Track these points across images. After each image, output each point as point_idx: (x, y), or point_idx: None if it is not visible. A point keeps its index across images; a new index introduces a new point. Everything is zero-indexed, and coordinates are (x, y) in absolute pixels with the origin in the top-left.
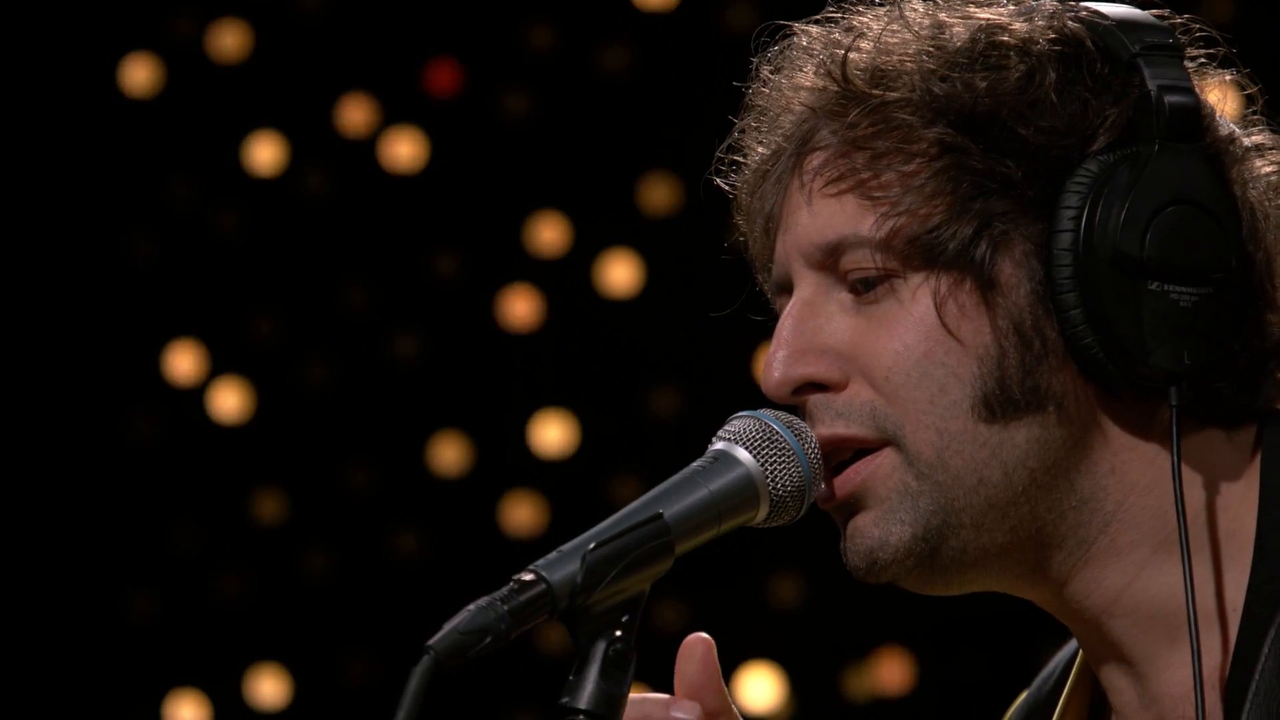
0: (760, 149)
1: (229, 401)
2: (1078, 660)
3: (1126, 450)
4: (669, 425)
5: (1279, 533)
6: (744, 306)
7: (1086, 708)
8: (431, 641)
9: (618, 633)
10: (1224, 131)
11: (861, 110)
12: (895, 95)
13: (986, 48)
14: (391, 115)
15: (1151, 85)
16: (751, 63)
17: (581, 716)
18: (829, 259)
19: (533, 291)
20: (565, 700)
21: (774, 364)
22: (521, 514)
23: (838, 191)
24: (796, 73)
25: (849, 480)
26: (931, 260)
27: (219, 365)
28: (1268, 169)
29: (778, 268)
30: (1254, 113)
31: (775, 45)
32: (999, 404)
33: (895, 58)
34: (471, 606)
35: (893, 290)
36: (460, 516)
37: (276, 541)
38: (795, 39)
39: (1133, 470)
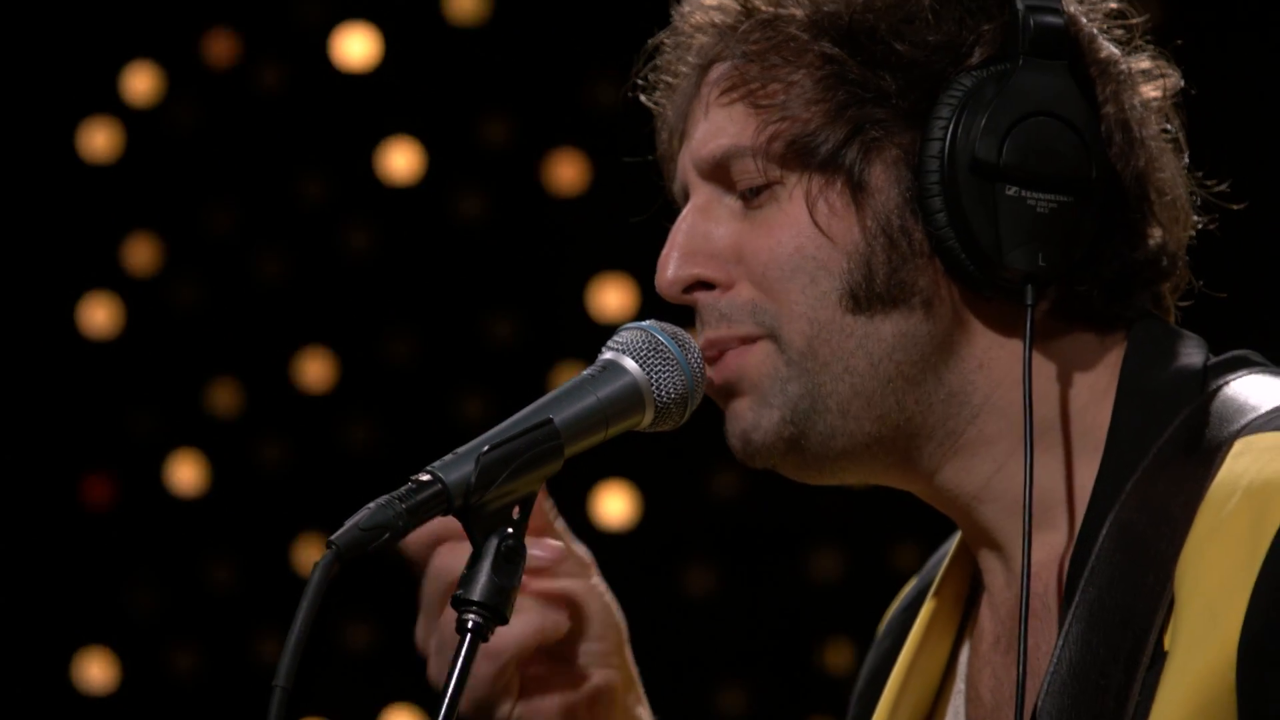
0: (677, 66)
1: (186, 297)
2: (955, 540)
3: (995, 347)
4: (612, 319)
5: (1130, 428)
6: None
7: (966, 584)
8: (333, 536)
9: (509, 530)
10: (1103, 54)
11: (756, 25)
12: (787, 12)
13: None
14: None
15: (1020, 4)
16: None
17: (475, 607)
18: (720, 169)
19: (482, 188)
20: (460, 592)
21: (667, 264)
22: (471, 407)
23: (729, 101)
24: None
25: (727, 366)
26: (807, 163)
27: (176, 257)
28: (1152, 92)
29: (680, 179)
30: (1144, 38)
31: None
32: (865, 297)
33: None
34: (371, 505)
35: (774, 196)
36: (411, 409)
37: (231, 432)
38: None
39: (999, 366)
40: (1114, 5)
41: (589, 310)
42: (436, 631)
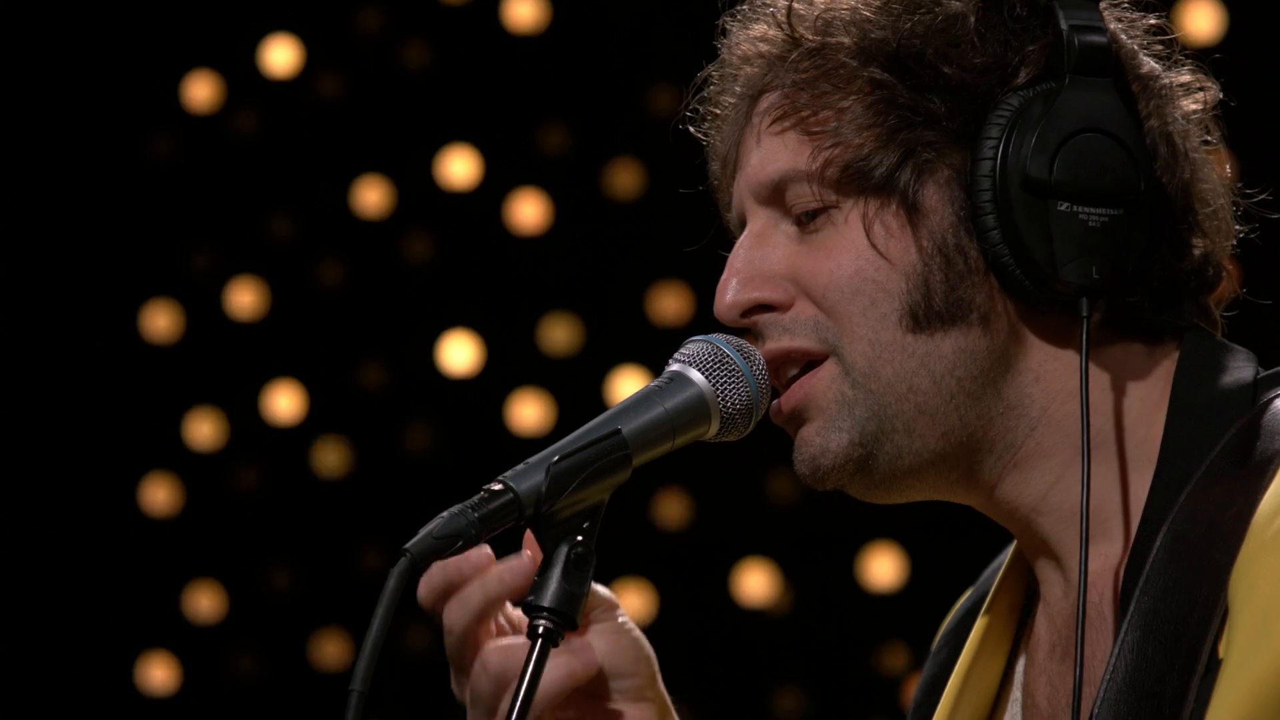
0: (724, 97)
1: (245, 300)
2: (1010, 551)
3: (1050, 360)
4: (671, 327)
5: (1182, 441)
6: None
7: (1022, 594)
8: (408, 545)
9: (579, 538)
10: (1144, 69)
11: (804, 54)
12: (834, 41)
13: None
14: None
15: (1064, 25)
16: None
17: (546, 613)
18: (775, 194)
19: (541, 195)
20: (531, 599)
21: (726, 290)
22: (528, 413)
23: (781, 130)
24: (752, 26)
25: (794, 395)
26: (862, 187)
27: (235, 264)
28: (1192, 105)
29: (735, 207)
30: (1183, 53)
31: (738, 1)
32: (925, 316)
33: (836, 8)
34: (445, 513)
35: (830, 220)
36: (469, 415)
37: (291, 438)
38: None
39: (1056, 378)
40: (1153, 21)
41: (647, 317)
42: (468, 683)
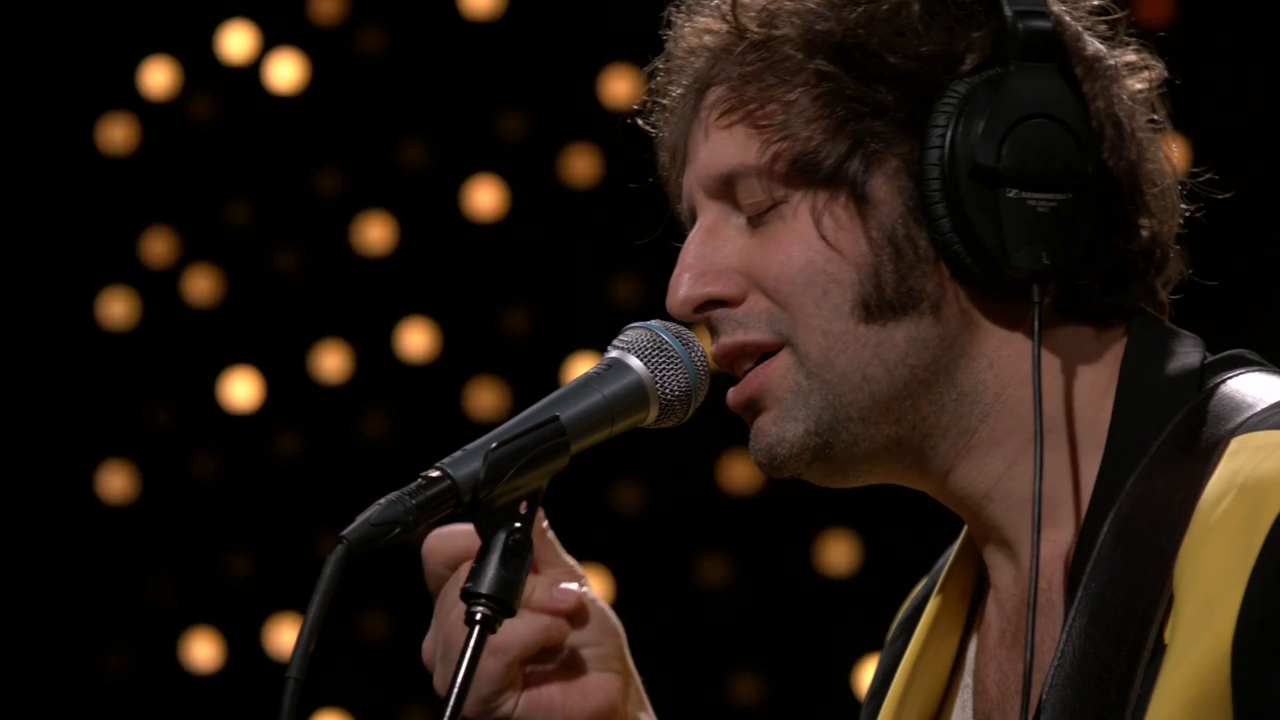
0: (672, 90)
1: (202, 286)
2: (960, 537)
3: (1003, 346)
4: (628, 313)
5: (1130, 426)
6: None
7: (972, 580)
8: (344, 532)
9: (517, 524)
10: (1089, 51)
11: (750, 47)
12: (779, 33)
13: None
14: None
15: (1008, 11)
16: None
17: (483, 600)
18: (725, 188)
19: (498, 181)
20: (469, 585)
21: (678, 285)
22: (486, 400)
23: (729, 123)
24: (697, 18)
25: (749, 384)
26: (810, 179)
27: (192, 250)
28: (1137, 85)
29: (686, 201)
30: (1128, 32)
31: None
32: (876, 306)
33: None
34: (382, 500)
35: (780, 213)
36: (427, 402)
37: (249, 425)
38: None
39: (1008, 364)
40: (1096, 2)
41: (605, 303)
42: (443, 643)
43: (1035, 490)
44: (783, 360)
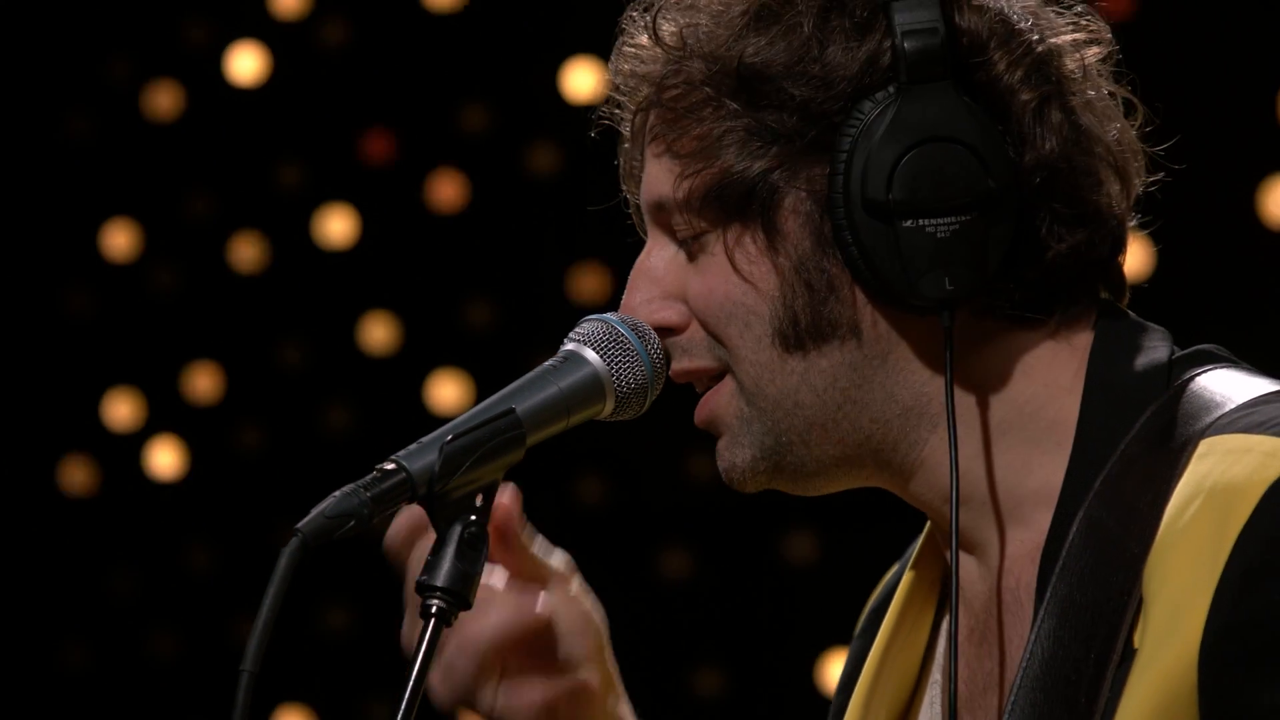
0: (627, 101)
1: (164, 279)
2: (924, 532)
3: (941, 358)
4: (590, 306)
5: (1097, 424)
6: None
7: (938, 575)
8: (299, 525)
9: (473, 517)
10: (1020, 38)
11: (670, 74)
12: (690, 65)
13: (760, 7)
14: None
15: (897, 33)
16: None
17: (439, 593)
18: (662, 215)
19: (460, 174)
20: (424, 578)
21: (632, 311)
22: (448, 393)
23: (658, 152)
24: (638, 35)
25: (702, 410)
26: (723, 212)
27: (154, 244)
28: (1073, 65)
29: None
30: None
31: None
32: (794, 337)
33: (697, 22)
34: (337, 493)
35: (703, 246)
36: (389, 395)
37: (210, 417)
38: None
39: (954, 375)
40: None
41: (566, 296)
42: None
43: (952, 499)
44: (727, 386)
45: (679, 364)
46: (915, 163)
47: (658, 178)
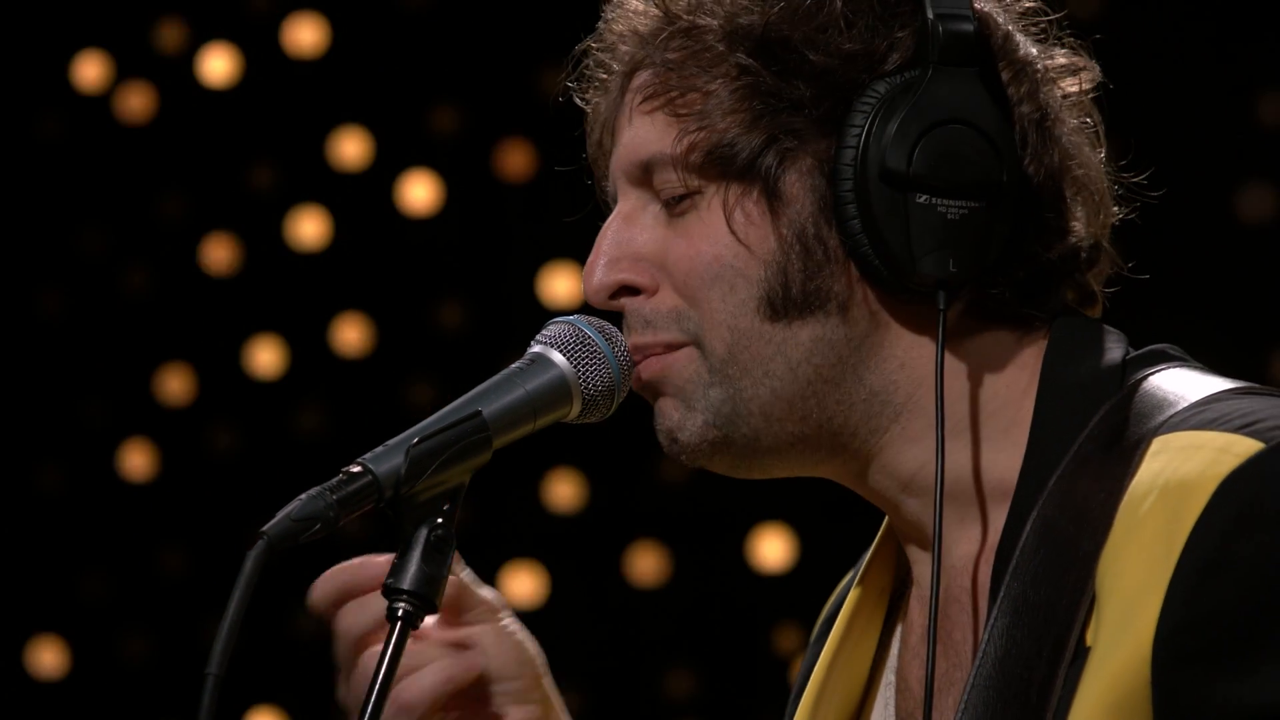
0: (600, 72)
1: (136, 281)
2: (879, 533)
3: (916, 346)
4: (563, 308)
5: (1051, 423)
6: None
7: (891, 575)
8: (265, 528)
9: (439, 520)
10: (1019, 53)
11: (676, 34)
12: (704, 22)
13: None
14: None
15: (930, 13)
16: None
17: (405, 596)
18: (645, 175)
19: (433, 176)
20: (390, 581)
21: (593, 271)
22: (421, 395)
23: (651, 109)
24: (627, 5)
25: (648, 367)
26: (724, 172)
27: (125, 245)
28: (1071, 87)
29: (610, 183)
30: (1058, 36)
31: None
32: (782, 305)
33: None
34: (303, 496)
35: (694, 204)
36: (362, 397)
37: (182, 419)
38: None
39: (921, 365)
40: (1029, 4)
41: (538, 298)
42: (351, 689)
43: (936, 492)
44: (686, 351)
45: (639, 337)
46: (937, 141)
47: (647, 135)
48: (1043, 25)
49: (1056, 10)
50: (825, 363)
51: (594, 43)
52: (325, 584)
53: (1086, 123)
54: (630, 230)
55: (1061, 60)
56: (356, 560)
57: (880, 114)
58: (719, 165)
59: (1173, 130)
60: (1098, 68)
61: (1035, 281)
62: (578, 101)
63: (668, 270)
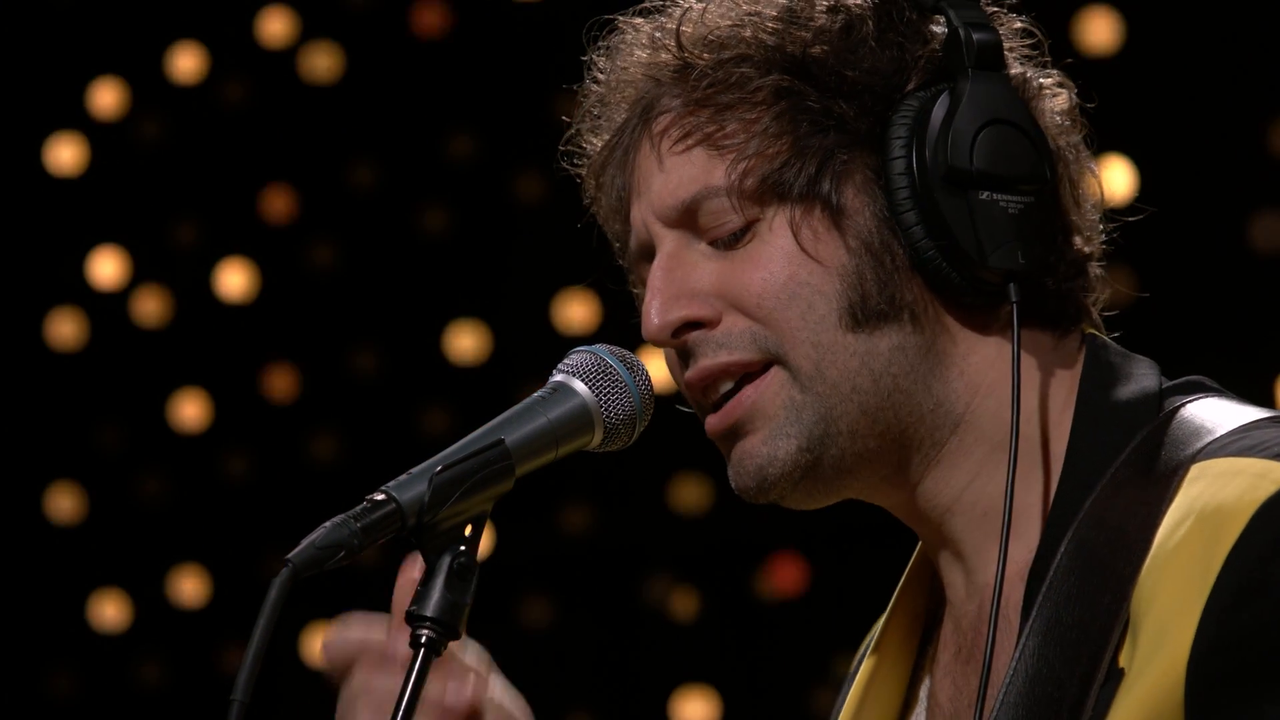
0: (605, 132)
1: (150, 307)
2: (912, 560)
3: (972, 354)
4: (578, 335)
5: (1088, 445)
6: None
7: (925, 600)
8: (290, 555)
9: (462, 548)
10: (1018, 69)
11: (701, 71)
12: (730, 54)
13: (803, 6)
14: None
15: (959, 24)
16: (583, 59)
17: (428, 623)
18: (686, 216)
19: (448, 202)
20: (413, 609)
21: (651, 312)
22: (435, 421)
23: (685, 148)
24: (631, 54)
25: (740, 404)
26: (783, 196)
27: (141, 271)
28: (1061, 104)
29: (637, 235)
30: (1041, 55)
31: (604, 39)
32: (862, 314)
33: (725, 24)
34: (327, 523)
35: (755, 233)
36: (376, 423)
37: (197, 445)
38: (623, 32)
39: (977, 373)
40: (1019, 25)
41: (553, 325)
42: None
43: (1007, 494)
44: (775, 376)
45: (713, 359)
46: (990, 139)
47: (688, 174)
48: (1028, 46)
49: (1067, 38)
50: (902, 372)
51: (592, 106)
52: (335, 650)
53: (1075, 143)
54: (681, 269)
55: (1050, 79)
56: (363, 639)
57: (924, 122)
58: (776, 189)
59: (1186, 159)
60: (1074, 90)
61: (1072, 279)
62: (568, 169)
63: (732, 299)
